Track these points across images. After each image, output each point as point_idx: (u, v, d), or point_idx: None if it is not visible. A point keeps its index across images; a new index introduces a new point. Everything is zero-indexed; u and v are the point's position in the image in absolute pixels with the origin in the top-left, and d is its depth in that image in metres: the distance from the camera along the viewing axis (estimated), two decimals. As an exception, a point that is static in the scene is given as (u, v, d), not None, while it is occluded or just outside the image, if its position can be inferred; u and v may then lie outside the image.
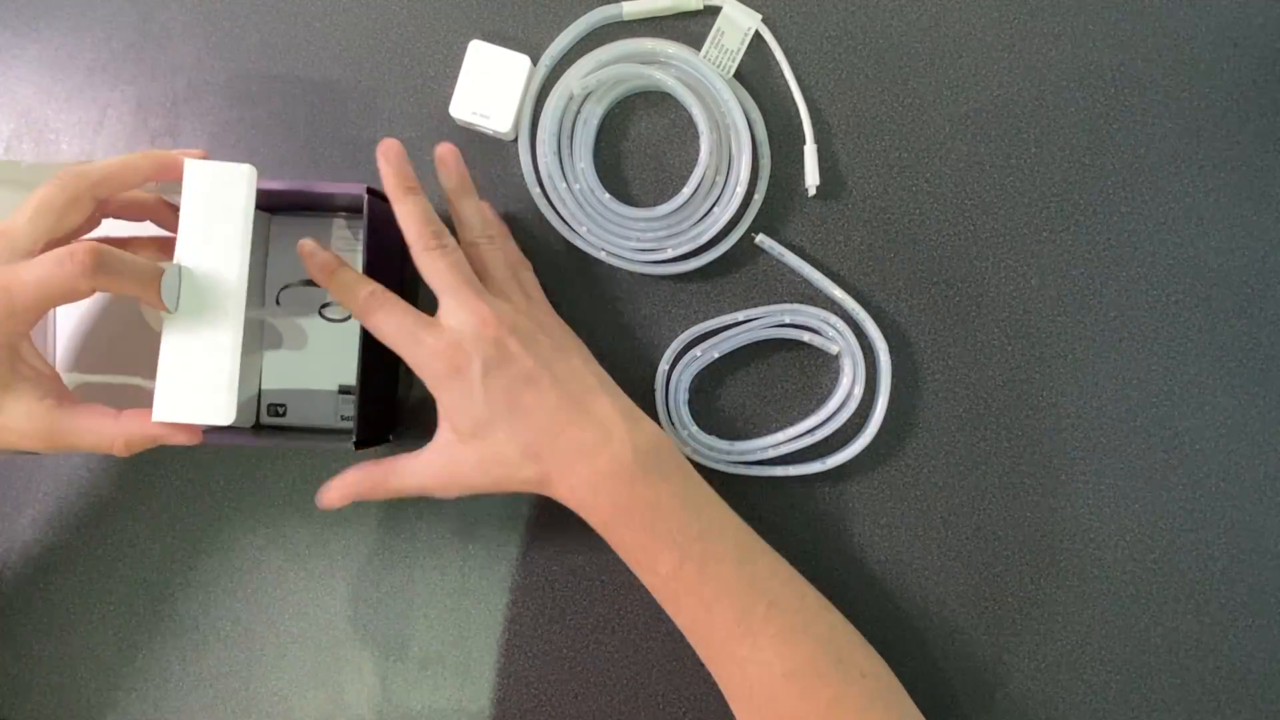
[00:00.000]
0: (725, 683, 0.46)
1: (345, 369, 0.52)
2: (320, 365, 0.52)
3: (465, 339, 0.44)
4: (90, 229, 0.44)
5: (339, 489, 0.46)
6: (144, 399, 0.49)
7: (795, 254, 0.54)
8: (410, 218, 0.46)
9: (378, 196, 0.49)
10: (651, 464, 0.45)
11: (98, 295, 0.41)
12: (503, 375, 0.44)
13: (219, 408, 0.42)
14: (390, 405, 0.54)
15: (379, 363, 0.50)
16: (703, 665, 0.54)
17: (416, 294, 0.55)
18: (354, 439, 0.47)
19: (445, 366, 0.44)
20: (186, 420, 0.42)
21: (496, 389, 0.44)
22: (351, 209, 0.52)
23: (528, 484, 0.45)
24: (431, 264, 0.45)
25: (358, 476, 0.46)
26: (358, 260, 0.52)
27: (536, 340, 0.46)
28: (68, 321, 0.50)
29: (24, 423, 0.41)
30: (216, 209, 0.42)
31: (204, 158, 0.43)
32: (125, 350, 0.50)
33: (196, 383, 0.41)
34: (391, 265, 0.52)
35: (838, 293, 0.53)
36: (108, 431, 0.42)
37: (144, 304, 0.42)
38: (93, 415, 0.42)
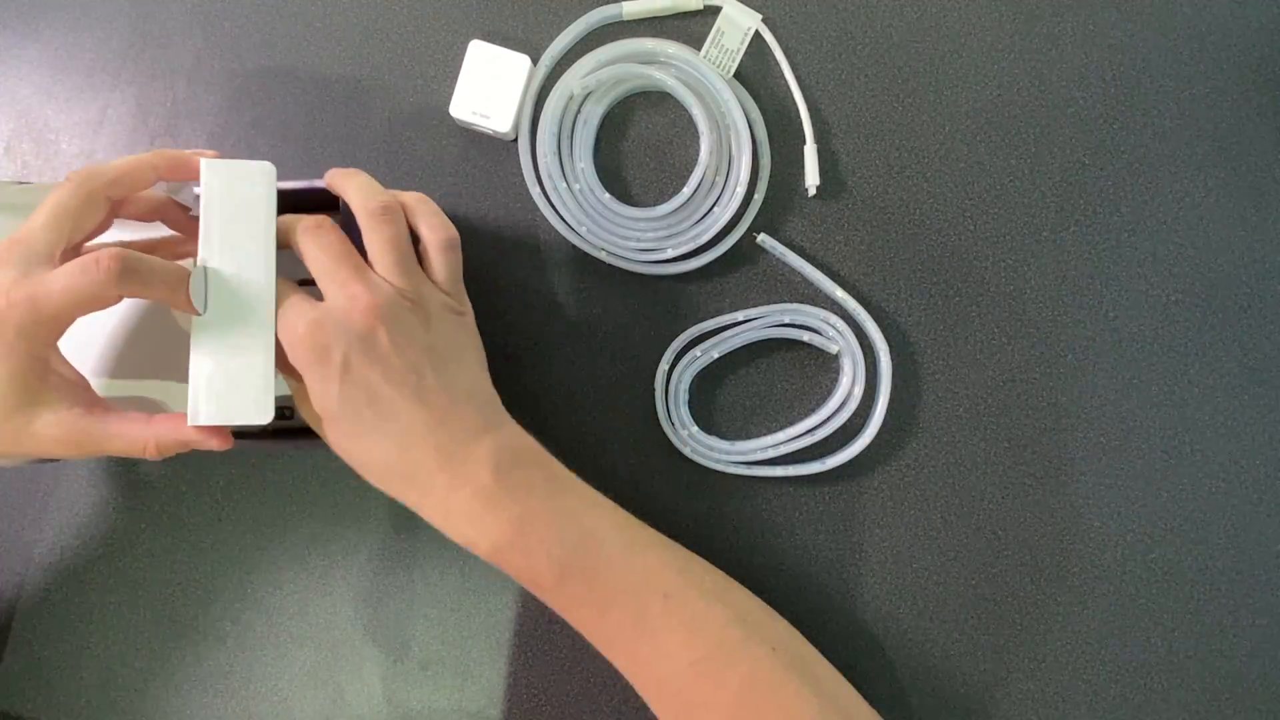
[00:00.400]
0: (634, 679, 0.44)
1: None
2: None
3: (332, 322, 0.41)
4: (103, 232, 0.44)
5: None
6: (159, 403, 0.49)
7: (796, 254, 0.54)
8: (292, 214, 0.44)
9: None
10: (515, 479, 0.42)
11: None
12: (364, 374, 0.41)
13: (259, 408, 0.41)
14: None
15: None
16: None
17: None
18: None
19: (307, 348, 0.41)
20: (226, 423, 0.41)
21: (355, 388, 0.41)
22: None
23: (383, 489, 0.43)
24: (306, 246, 0.43)
25: None
26: None
27: (412, 337, 0.42)
28: (82, 326, 0.50)
29: (56, 430, 0.41)
30: (237, 207, 0.42)
31: (217, 157, 0.43)
32: (143, 352, 0.50)
33: (232, 385, 0.41)
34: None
35: (839, 293, 0.53)
36: (139, 436, 0.41)
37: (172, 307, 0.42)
38: (124, 421, 0.42)
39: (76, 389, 0.42)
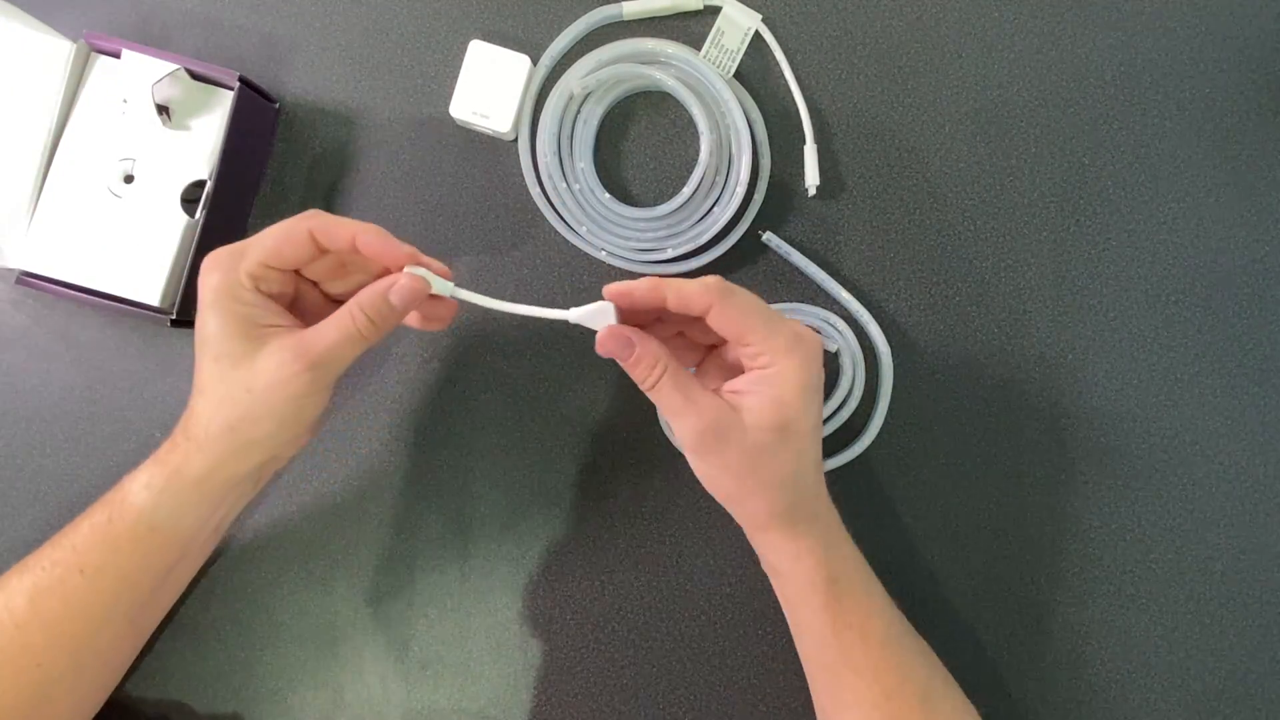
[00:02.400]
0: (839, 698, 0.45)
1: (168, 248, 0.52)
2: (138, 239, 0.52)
3: (811, 341, 0.42)
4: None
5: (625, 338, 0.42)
6: None
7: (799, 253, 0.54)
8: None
9: (249, 87, 0.51)
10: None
11: None
12: (820, 397, 0.43)
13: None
14: None
15: (216, 238, 0.51)
16: (702, 665, 0.54)
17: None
18: (173, 315, 0.51)
19: (813, 355, 0.41)
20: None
21: (819, 406, 0.43)
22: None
23: (775, 504, 0.43)
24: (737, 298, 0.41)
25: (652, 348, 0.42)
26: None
27: None
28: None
29: (278, 360, 0.41)
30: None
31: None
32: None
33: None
34: (249, 161, 0.54)
35: (844, 294, 0.53)
36: (345, 327, 0.41)
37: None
38: (332, 322, 0.42)
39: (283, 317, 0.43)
